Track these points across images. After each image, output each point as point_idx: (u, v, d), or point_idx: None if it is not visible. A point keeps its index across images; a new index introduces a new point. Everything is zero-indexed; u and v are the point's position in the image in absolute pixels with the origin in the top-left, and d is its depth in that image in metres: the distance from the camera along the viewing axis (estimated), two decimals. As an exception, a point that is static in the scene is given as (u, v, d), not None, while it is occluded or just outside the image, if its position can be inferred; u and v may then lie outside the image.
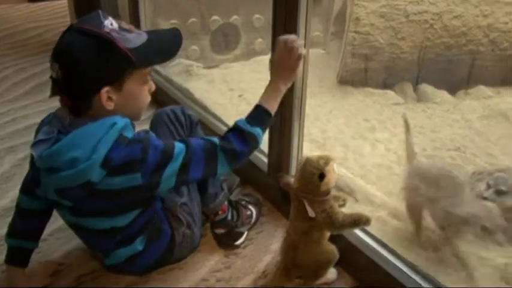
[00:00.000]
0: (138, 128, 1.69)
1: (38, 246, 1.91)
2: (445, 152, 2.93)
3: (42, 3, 6.33)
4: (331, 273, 1.91)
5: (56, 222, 2.05)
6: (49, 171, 1.58)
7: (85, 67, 1.53)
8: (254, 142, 1.77)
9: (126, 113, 1.64)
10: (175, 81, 3.46)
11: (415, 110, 3.50)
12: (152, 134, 1.69)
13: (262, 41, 4.21)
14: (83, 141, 1.54)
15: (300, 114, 2.11)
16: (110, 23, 1.56)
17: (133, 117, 1.68)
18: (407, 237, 2.12)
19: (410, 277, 1.75)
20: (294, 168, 2.17)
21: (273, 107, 1.86)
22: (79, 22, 1.58)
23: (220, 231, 2.10)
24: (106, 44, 1.53)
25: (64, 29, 1.59)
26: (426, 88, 3.72)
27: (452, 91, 3.74)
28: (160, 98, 3.05)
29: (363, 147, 2.94)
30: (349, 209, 1.94)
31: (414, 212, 2.09)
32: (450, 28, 3.69)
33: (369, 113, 3.40)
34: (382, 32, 3.65)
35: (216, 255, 2.05)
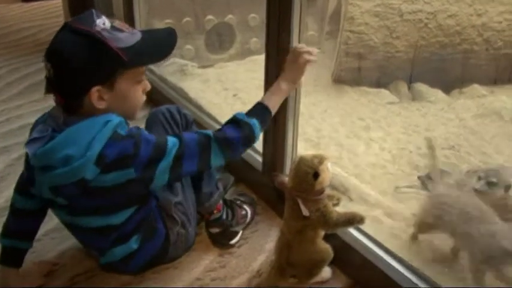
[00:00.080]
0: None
1: (32, 246, 1.91)
2: (440, 150, 2.93)
3: (36, 2, 6.30)
4: (326, 272, 1.91)
5: (51, 222, 2.05)
6: (43, 169, 1.58)
7: (75, 66, 1.53)
8: (248, 131, 1.77)
9: (120, 112, 1.63)
10: (170, 81, 3.45)
11: (409, 109, 3.51)
12: (144, 130, 1.69)
13: (258, 41, 4.20)
14: (77, 139, 1.54)
15: (295, 113, 2.11)
16: (103, 23, 1.56)
17: (128, 117, 1.68)
18: (401, 236, 2.12)
19: (405, 276, 1.75)
20: (288, 167, 2.17)
21: (273, 105, 1.89)
22: (72, 21, 1.58)
23: (215, 230, 2.10)
24: (96, 43, 1.53)
25: (58, 28, 1.59)
26: (421, 87, 3.72)
27: (447, 90, 3.75)
28: (155, 97, 3.04)
29: (357, 146, 2.95)
30: (343, 208, 1.94)
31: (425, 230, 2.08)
32: (444, 27, 3.70)
33: (364, 112, 3.41)
34: (376, 31, 3.65)
35: (211, 255, 2.05)
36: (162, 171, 1.64)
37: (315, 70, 3.94)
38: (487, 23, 3.75)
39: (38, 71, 3.97)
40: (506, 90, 3.78)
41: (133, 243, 1.81)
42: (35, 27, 5.36)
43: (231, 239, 2.10)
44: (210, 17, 4.06)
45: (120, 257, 1.83)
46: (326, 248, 1.84)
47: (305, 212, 1.74)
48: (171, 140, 1.66)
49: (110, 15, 1.63)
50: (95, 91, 1.56)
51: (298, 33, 1.96)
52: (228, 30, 4.18)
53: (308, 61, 1.91)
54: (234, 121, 1.77)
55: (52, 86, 1.58)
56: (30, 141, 1.61)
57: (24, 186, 1.84)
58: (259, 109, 1.85)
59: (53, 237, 2.12)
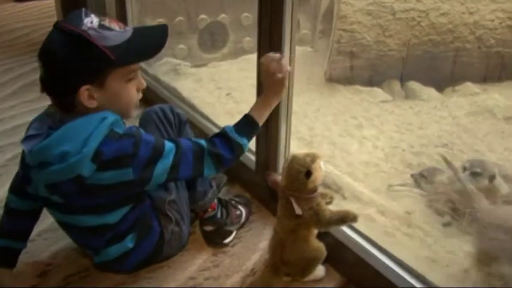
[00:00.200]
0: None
1: (26, 246, 1.91)
2: (433, 148, 2.95)
3: (30, 2, 6.28)
4: (320, 271, 1.92)
5: (44, 222, 2.06)
6: (40, 166, 1.58)
7: (62, 65, 1.54)
8: (240, 151, 1.81)
9: (114, 111, 1.64)
10: (163, 80, 3.45)
11: (402, 107, 3.52)
12: (142, 130, 1.70)
13: (251, 40, 4.19)
14: (73, 136, 1.55)
15: (287, 112, 2.11)
16: (90, 21, 1.56)
17: (123, 115, 1.69)
18: (394, 234, 2.13)
19: (398, 274, 1.76)
20: (281, 166, 2.17)
21: (261, 118, 1.91)
22: (61, 21, 1.59)
23: (209, 228, 2.10)
24: (82, 42, 1.52)
25: (51, 29, 1.59)
26: (414, 85, 3.73)
27: (440, 88, 3.76)
28: (148, 97, 3.03)
29: (350, 145, 2.95)
30: (336, 206, 1.95)
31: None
32: (437, 25, 3.71)
33: (357, 111, 3.41)
34: (369, 29, 3.66)
35: (205, 254, 2.06)
36: (160, 173, 1.65)
37: (308, 69, 3.94)
38: (479, 21, 3.77)
39: (32, 71, 3.97)
40: (499, 88, 3.79)
41: (129, 242, 1.81)
42: (29, 27, 5.35)
43: (225, 238, 2.11)
44: (202, 16, 4.06)
45: (114, 256, 1.83)
46: (319, 246, 1.85)
47: (298, 210, 1.75)
48: (168, 145, 1.68)
49: (102, 14, 1.62)
50: (84, 90, 1.56)
51: (290, 32, 1.96)
52: (221, 29, 4.18)
53: (283, 78, 1.91)
54: (226, 138, 1.79)
55: (44, 85, 1.59)
56: (26, 138, 1.62)
57: (19, 186, 1.84)
58: (249, 124, 1.87)
59: (46, 237, 2.12)
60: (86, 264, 1.97)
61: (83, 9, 1.59)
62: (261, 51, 2.04)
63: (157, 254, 1.92)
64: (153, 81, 3.41)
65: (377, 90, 3.68)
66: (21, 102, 3.50)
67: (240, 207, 2.23)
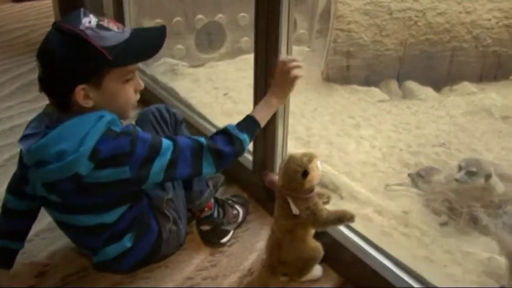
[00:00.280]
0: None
1: (23, 247, 1.91)
2: (430, 148, 2.95)
3: (28, 3, 6.28)
4: (317, 270, 1.92)
5: (42, 222, 2.06)
6: (37, 165, 1.58)
7: (59, 64, 1.54)
8: (240, 146, 1.79)
9: (111, 111, 1.63)
10: (161, 81, 3.45)
11: (400, 107, 3.53)
12: (139, 128, 1.70)
13: (248, 40, 4.20)
14: (70, 134, 1.55)
15: (285, 112, 2.11)
16: (88, 21, 1.56)
17: (120, 116, 1.68)
18: (392, 234, 2.13)
19: (396, 273, 1.76)
20: (278, 166, 2.18)
21: (263, 119, 1.91)
22: (60, 21, 1.60)
23: (205, 227, 2.10)
24: (80, 41, 1.53)
25: (49, 29, 1.60)
26: (411, 85, 3.74)
27: (437, 88, 3.77)
28: (145, 97, 3.03)
29: (347, 144, 2.96)
30: (333, 206, 1.95)
31: None
32: (434, 25, 3.72)
33: (354, 110, 3.42)
34: (366, 29, 3.67)
35: (202, 254, 2.06)
36: (157, 172, 1.64)
37: (306, 68, 3.94)
38: (476, 21, 3.78)
39: (30, 71, 3.97)
40: (496, 87, 3.80)
41: (127, 242, 1.81)
42: (27, 28, 5.35)
43: (222, 237, 2.11)
44: (200, 16, 4.06)
45: (113, 256, 1.83)
46: (317, 246, 1.85)
47: (295, 210, 1.75)
48: (166, 142, 1.67)
49: (100, 15, 1.62)
50: (79, 89, 1.56)
51: (287, 33, 1.96)
52: (218, 29, 4.19)
53: (297, 77, 1.92)
54: (227, 134, 1.78)
55: (42, 84, 1.60)
56: (23, 138, 1.62)
57: (16, 186, 1.84)
58: (250, 123, 1.87)
59: (43, 237, 2.12)
60: (84, 264, 1.97)
61: (82, 10, 1.59)
62: (258, 51, 2.05)
63: (155, 253, 1.92)
64: (151, 82, 3.41)
65: (374, 89, 3.69)
66: (19, 102, 3.50)
67: (237, 206, 2.23)
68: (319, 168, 1.76)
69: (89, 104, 1.59)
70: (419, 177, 2.54)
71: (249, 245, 2.10)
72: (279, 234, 1.84)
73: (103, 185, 1.61)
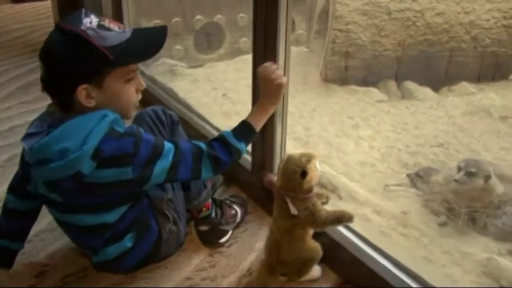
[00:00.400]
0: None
1: (23, 247, 1.91)
2: (429, 148, 2.95)
3: (27, 4, 6.28)
4: (316, 270, 1.92)
5: (42, 223, 2.06)
6: (39, 163, 1.58)
7: (61, 64, 1.55)
8: (237, 155, 1.82)
9: (113, 111, 1.64)
10: (160, 81, 3.45)
11: (398, 107, 3.53)
12: (142, 130, 1.70)
13: (247, 40, 4.20)
14: (73, 133, 1.55)
15: (283, 112, 2.11)
16: (89, 21, 1.57)
17: (122, 116, 1.69)
18: (390, 234, 2.13)
19: (394, 273, 1.76)
20: (277, 166, 2.18)
21: (258, 124, 1.91)
22: (61, 21, 1.60)
23: (203, 228, 2.11)
24: (81, 42, 1.53)
25: (49, 29, 1.61)
26: (410, 85, 3.74)
27: (436, 88, 3.78)
28: (144, 97, 3.03)
29: (346, 145, 2.96)
30: (332, 206, 1.95)
31: None
32: (432, 25, 3.72)
33: (353, 111, 3.42)
34: (364, 29, 3.67)
35: (201, 254, 2.06)
36: (159, 173, 1.65)
37: (304, 69, 3.95)
38: (475, 21, 3.78)
39: (29, 72, 3.96)
40: (494, 87, 3.80)
41: (128, 242, 1.81)
42: (25, 29, 5.35)
43: (220, 237, 2.11)
44: (198, 17, 4.06)
45: (113, 256, 1.83)
46: (315, 246, 1.86)
47: (293, 210, 1.75)
48: (168, 145, 1.68)
49: (99, 15, 1.63)
50: (81, 89, 1.56)
51: (285, 33, 1.96)
52: (217, 30, 4.19)
53: (280, 85, 1.92)
54: (225, 143, 1.80)
55: (44, 84, 1.61)
56: (26, 136, 1.62)
57: (18, 186, 1.85)
58: (247, 130, 1.88)
59: (43, 238, 2.12)
60: (84, 264, 1.97)
61: (83, 10, 1.60)
62: (256, 52, 2.05)
63: (155, 253, 1.92)
64: (149, 82, 3.41)
65: (373, 90, 3.69)
66: (17, 103, 3.49)
67: (235, 206, 2.23)
68: (318, 169, 1.76)
69: (91, 103, 1.59)
70: (418, 178, 2.54)
71: (248, 245, 2.10)
72: (277, 235, 1.84)
73: (104, 185, 1.61)
